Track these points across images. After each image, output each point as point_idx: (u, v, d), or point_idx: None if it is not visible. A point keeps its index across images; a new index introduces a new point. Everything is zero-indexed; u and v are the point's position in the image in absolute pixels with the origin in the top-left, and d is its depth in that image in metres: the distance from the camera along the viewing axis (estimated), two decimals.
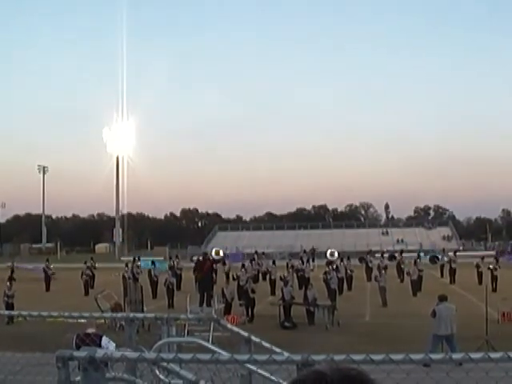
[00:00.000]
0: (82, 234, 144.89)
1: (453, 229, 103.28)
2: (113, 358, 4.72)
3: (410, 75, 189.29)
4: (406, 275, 39.57)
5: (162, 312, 8.17)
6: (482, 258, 42.95)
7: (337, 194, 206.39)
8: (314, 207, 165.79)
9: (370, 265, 45.47)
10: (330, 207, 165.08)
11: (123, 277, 35.51)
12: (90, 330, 11.29)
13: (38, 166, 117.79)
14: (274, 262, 43.80)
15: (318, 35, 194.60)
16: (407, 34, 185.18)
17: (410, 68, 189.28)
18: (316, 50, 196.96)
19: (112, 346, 10.92)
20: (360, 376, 1.59)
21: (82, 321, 12.27)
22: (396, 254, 53.95)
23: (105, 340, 11.14)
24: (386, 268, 38.65)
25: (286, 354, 5.00)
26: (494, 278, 36.42)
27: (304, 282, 34.82)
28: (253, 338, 6.74)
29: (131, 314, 8.78)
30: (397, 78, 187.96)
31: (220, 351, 6.13)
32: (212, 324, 17.58)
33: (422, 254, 53.48)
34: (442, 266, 47.28)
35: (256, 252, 58.90)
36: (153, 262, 40.08)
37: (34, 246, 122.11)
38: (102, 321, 19.28)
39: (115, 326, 20.04)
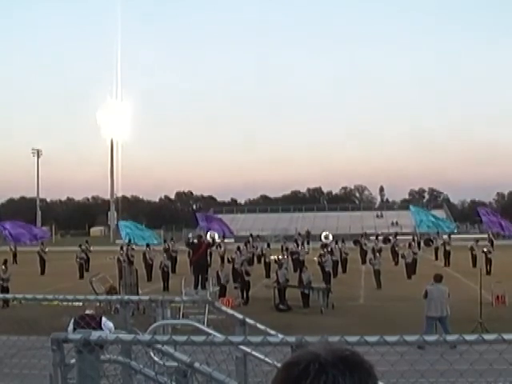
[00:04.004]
0: (76, 217, 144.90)
1: (447, 211, 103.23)
2: (107, 341, 4.72)
3: (405, 55, 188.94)
4: (400, 258, 39.69)
5: (157, 295, 8.19)
6: (477, 240, 43.06)
7: (332, 176, 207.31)
8: (308, 190, 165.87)
9: (365, 247, 45.61)
10: (325, 190, 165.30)
11: (118, 260, 35.51)
12: (89, 311, 11.32)
13: (33, 149, 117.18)
14: (268, 245, 43.89)
15: (316, 21, 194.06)
16: (402, 15, 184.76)
17: (405, 48, 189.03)
18: (314, 34, 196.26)
19: (109, 325, 10.97)
20: (353, 357, 1.59)
21: (77, 304, 12.29)
22: (390, 237, 54.05)
23: (103, 320, 11.22)
24: (380, 251, 38.77)
25: (281, 336, 5.01)
26: (489, 261, 36.54)
27: (299, 264, 34.90)
28: (247, 320, 6.75)
29: (126, 297, 8.79)
30: (390, 58, 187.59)
31: (215, 333, 6.15)
32: (207, 306, 17.69)
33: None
34: (437, 249, 47.41)
35: (251, 235, 58.98)
36: (148, 245, 40.01)
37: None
38: (98, 304, 19.34)
39: (110, 308, 20.11)
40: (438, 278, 18.31)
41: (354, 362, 1.57)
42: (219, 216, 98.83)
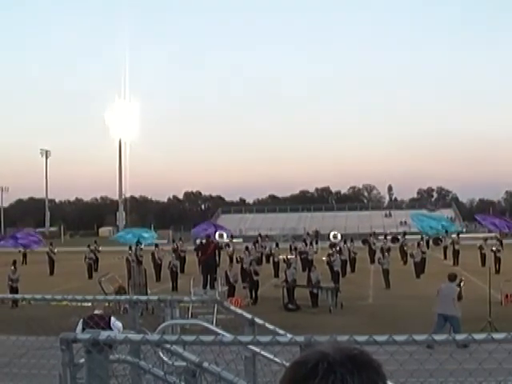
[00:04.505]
0: (85, 217, 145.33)
1: (456, 210, 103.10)
2: (116, 341, 4.73)
3: (410, 54, 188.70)
4: (409, 257, 39.62)
5: (166, 295, 8.20)
6: (485, 239, 42.93)
7: (340, 176, 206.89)
8: (317, 189, 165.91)
9: (374, 247, 45.52)
10: (333, 189, 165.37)
11: (127, 260, 35.56)
12: (97, 311, 11.35)
13: (41, 149, 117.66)
14: (277, 245, 43.89)
15: (312, 12, 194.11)
16: (406, 11, 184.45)
17: (410, 46, 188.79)
18: (311, 28, 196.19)
19: (118, 325, 11.00)
20: (362, 356, 1.59)
21: (86, 304, 12.31)
22: (399, 236, 53.92)
23: (112, 320, 11.25)
24: (389, 250, 38.65)
25: (290, 336, 5.01)
26: (498, 260, 36.44)
27: (307, 264, 34.89)
28: (256, 320, 6.75)
29: (135, 297, 8.80)
30: (396, 57, 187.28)
31: (223, 333, 6.15)
32: (215, 306, 17.68)
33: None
34: (446, 248, 47.28)
35: (259, 234, 59.05)
36: (156, 245, 40.13)
37: (37, 230, 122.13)
38: (106, 304, 19.37)
39: (119, 308, 20.14)
40: (451, 277, 18.38)
41: (363, 361, 1.57)
42: (226, 215, 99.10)
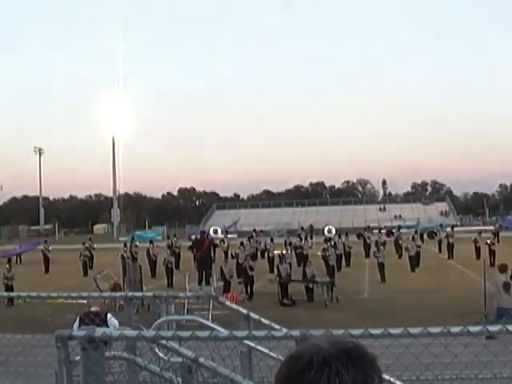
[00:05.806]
0: (79, 215, 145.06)
1: (450, 204, 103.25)
2: (112, 337, 4.73)
3: (409, 48, 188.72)
4: (404, 251, 39.67)
5: (161, 291, 8.20)
6: (480, 232, 43.03)
7: (334, 170, 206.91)
8: (311, 184, 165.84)
9: (368, 241, 45.54)
10: (327, 184, 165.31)
11: (122, 257, 35.52)
12: (94, 308, 11.34)
13: (34, 147, 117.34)
14: (272, 240, 43.89)
15: (313, 13, 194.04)
16: (406, 10, 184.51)
17: (409, 40, 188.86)
18: (311, 27, 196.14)
19: (114, 322, 11.00)
20: (357, 349, 1.59)
21: (82, 301, 12.31)
22: (394, 230, 53.94)
23: (108, 316, 11.25)
24: (384, 244, 38.70)
25: (285, 330, 5.01)
26: (492, 253, 36.53)
27: (302, 258, 34.89)
28: (252, 315, 6.76)
29: (130, 294, 8.80)
30: (396, 51, 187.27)
31: (219, 329, 6.15)
32: (211, 302, 17.67)
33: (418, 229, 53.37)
34: (440, 242, 47.35)
35: (254, 230, 59.07)
36: (151, 242, 40.15)
37: (32, 227, 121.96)
38: (103, 301, 19.35)
39: (115, 305, 20.14)
40: (501, 268, 18.50)
41: (357, 355, 1.57)
42: (221, 211, 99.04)
